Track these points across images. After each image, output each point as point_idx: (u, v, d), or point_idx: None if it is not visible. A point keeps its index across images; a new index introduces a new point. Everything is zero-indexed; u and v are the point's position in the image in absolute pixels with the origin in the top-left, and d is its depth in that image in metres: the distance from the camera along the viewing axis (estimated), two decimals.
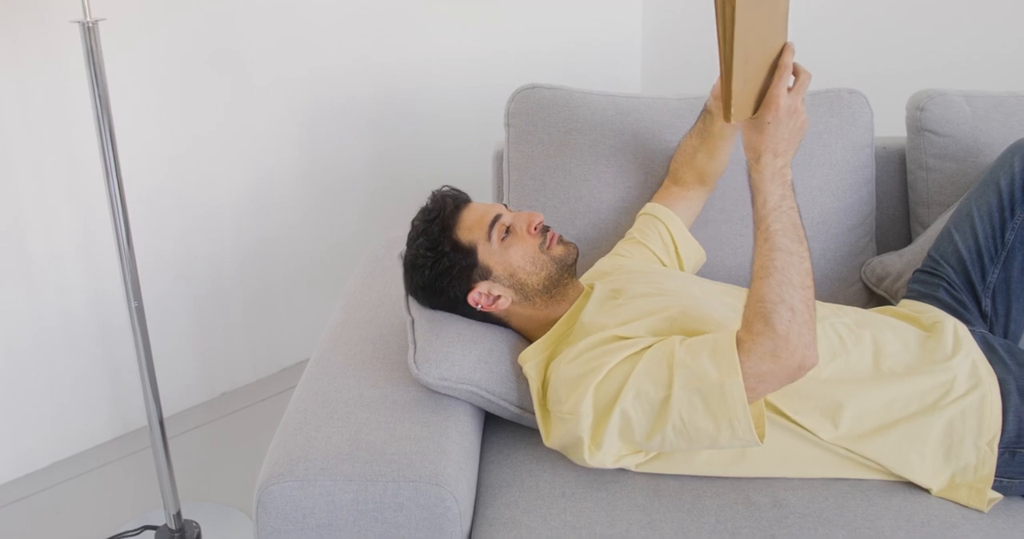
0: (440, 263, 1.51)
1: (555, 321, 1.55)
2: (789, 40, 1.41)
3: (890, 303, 1.83)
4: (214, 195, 2.49)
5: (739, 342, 1.29)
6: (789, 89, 1.37)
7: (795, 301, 1.28)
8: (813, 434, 1.40)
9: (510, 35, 3.05)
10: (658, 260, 1.74)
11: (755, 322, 1.28)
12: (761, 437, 1.29)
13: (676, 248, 1.75)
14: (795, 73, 1.38)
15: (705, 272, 1.86)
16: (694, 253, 1.79)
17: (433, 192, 1.59)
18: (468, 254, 1.52)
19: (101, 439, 2.44)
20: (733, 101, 1.29)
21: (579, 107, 1.88)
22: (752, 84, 1.33)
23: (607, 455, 1.36)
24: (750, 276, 1.34)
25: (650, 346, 1.36)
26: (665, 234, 1.75)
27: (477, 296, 1.52)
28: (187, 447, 2.44)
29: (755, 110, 1.37)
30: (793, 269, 1.30)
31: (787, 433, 1.40)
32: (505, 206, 1.59)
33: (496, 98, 1.97)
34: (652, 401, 1.31)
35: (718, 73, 1.32)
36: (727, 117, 1.31)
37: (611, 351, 1.37)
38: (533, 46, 3.11)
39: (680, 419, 1.30)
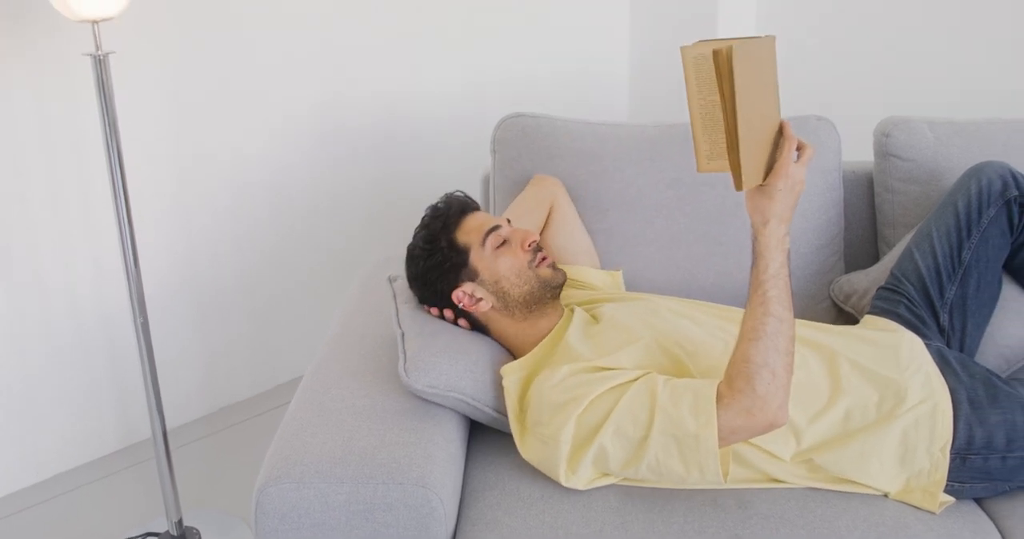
0: (433, 257, 1.64)
1: (535, 338, 1.64)
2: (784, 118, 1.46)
3: (858, 319, 1.93)
4: (217, 214, 2.59)
5: (719, 396, 1.37)
6: (795, 160, 1.43)
7: (778, 366, 1.36)
8: (776, 457, 1.48)
9: (502, 65, 3.15)
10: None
11: (737, 380, 1.36)
12: (725, 476, 1.38)
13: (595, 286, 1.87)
14: (799, 147, 1.44)
15: (682, 291, 1.95)
16: (606, 276, 1.91)
17: (447, 194, 1.72)
18: (461, 254, 1.63)
19: (108, 450, 2.53)
20: (744, 169, 1.33)
21: (560, 134, 1.99)
22: (757, 153, 1.38)
23: (581, 479, 1.45)
24: (740, 330, 1.40)
25: (634, 380, 1.44)
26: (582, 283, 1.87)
27: (461, 294, 1.62)
28: (189, 458, 2.52)
29: (763, 177, 1.41)
30: (781, 336, 1.37)
31: (750, 467, 1.49)
32: (508, 221, 1.70)
33: (487, 125, 2.07)
34: (631, 439, 1.40)
35: (693, 134, 1.36)
36: (739, 185, 1.35)
37: (593, 381, 1.45)
38: (524, 75, 3.22)
39: (655, 459, 1.39)
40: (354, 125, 2.82)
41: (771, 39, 1.39)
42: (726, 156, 1.33)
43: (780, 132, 1.43)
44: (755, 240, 1.41)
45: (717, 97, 1.30)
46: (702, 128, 1.34)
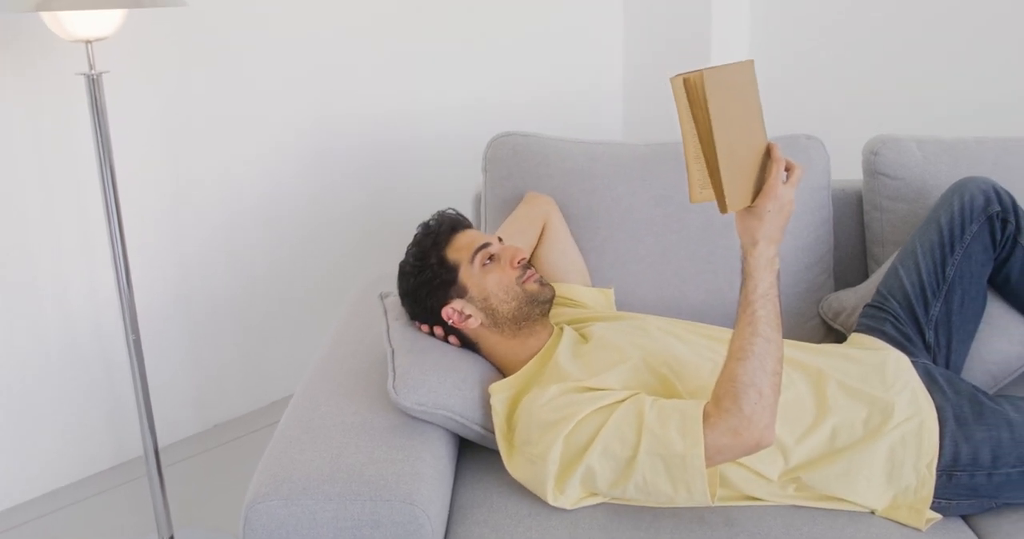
0: (423, 273, 1.65)
1: (524, 357, 1.65)
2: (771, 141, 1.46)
3: (846, 337, 1.93)
4: (211, 233, 2.61)
5: (706, 415, 1.38)
6: (784, 181, 1.44)
7: (764, 386, 1.36)
8: (764, 477, 1.49)
9: (496, 85, 3.18)
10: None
11: (724, 399, 1.37)
12: (712, 496, 1.39)
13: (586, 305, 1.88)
14: (788, 168, 1.45)
15: (672, 308, 1.96)
16: (597, 294, 1.91)
17: (439, 211, 1.74)
18: (450, 271, 1.64)
19: (101, 467, 2.53)
20: (727, 192, 1.34)
21: (551, 153, 2.00)
22: (743, 174, 1.39)
23: (569, 498, 1.46)
24: (728, 350, 1.41)
25: (622, 400, 1.45)
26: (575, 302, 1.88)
27: (450, 311, 1.64)
28: (182, 475, 2.52)
29: (752, 198, 1.42)
30: (769, 356, 1.38)
31: (735, 490, 1.50)
32: (500, 239, 1.71)
33: (481, 145, 2.09)
34: (618, 459, 1.41)
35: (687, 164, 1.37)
36: (724, 208, 1.36)
37: (581, 401, 1.46)
38: (518, 95, 3.24)
39: (643, 479, 1.40)
40: (347, 145, 2.84)
41: (749, 63, 1.41)
42: None
43: (768, 154, 1.44)
44: (744, 260, 1.42)
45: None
46: (694, 158, 1.35)
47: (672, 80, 1.32)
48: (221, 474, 2.54)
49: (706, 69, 1.30)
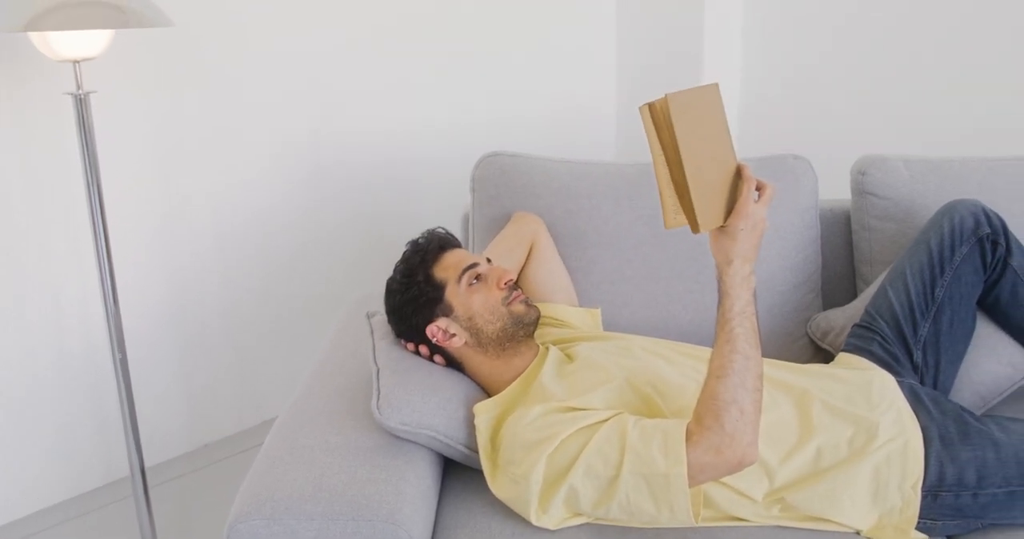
0: (410, 290, 1.65)
1: (509, 377, 1.65)
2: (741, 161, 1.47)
3: (835, 357, 1.93)
4: (202, 252, 2.61)
5: (688, 434, 1.38)
6: (756, 200, 1.45)
7: (745, 403, 1.37)
8: (748, 497, 1.48)
9: (489, 105, 3.19)
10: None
11: (706, 417, 1.37)
12: (696, 516, 1.39)
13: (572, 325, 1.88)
14: (760, 187, 1.46)
15: (660, 328, 1.96)
16: (584, 314, 1.92)
17: (428, 229, 1.74)
18: (437, 289, 1.64)
19: (90, 486, 2.52)
20: (698, 212, 1.36)
21: (538, 173, 2.01)
22: (714, 194, 1.40)
23: (552, 518, 1.45)
24: (708, 369, 1.41)
25: (605, 420, 1.45)
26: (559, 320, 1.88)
27: (435, 329, 1.64)
28: (171, 494, 2.51)
29: (724, 218, 1.43)
30: (749, 373, 1.39)
31: (719, 511, 1.49)
32: (488, 261, 1.72)
33: (472, 164, 2.10)
34: (601, 478, 1.40)
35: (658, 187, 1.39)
36: (696, 228, 1.38)
37: (564, 421, 1.46)
38: (511, 115, 3.25)
39: (626, 498, 1.39)
40: (338, 164, 2.85)
41: (714, 87, 1.42)
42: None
43: (738, 174, 1.45)
44: (720, 280, 1.43)
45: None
46: (666, 184, 1.37)
47: (640, 109, 1.35)
48: (210, 494, 2.53)
49: (670, 93, 1.32)
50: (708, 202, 1.38)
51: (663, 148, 1.35)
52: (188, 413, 2.69)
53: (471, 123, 3.14)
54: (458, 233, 2.15)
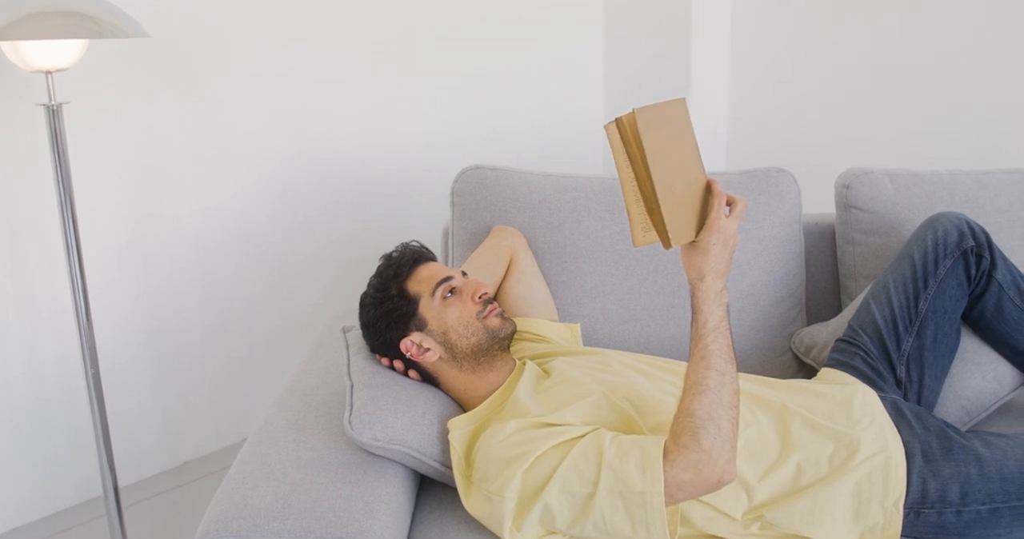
0: (383, 305, 1.63)
1: (484, 392, 1.62)
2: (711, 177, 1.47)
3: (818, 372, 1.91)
4: (178, 265, 2.58)
5: (665, 451, 1.35)
6: (727, 215, 1.44)
7: (722, 419, 1.34)
8: (727, 515, 1.45)
9: (476, 120, 3.17)
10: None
11: (683, 435, 1.35)
12: (673, 535, 1.36)
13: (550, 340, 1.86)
14: (731, 202, 1.45)
15: (640, 342, 1.94)
16: (563, 329, 1.89)
17: (402, 243, 1.71)
18: (411, 303, 1.62)
19: (65, 504, 2.48)
20: (669, 227, 1.35)
21: (518, 186, 1.99)
22: (684, 209, 1.39)
23: (526, 536, 1.42)
24: (683, 383, 1.40)
25: (581, 436, 1.42)
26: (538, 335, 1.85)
27: (409, 344, 1.61)
28: (148, 513, 2.47)
29: (696, 233, 1.42)
30: (724, 389, 1.37)
31: (697, 530, 1.46)
32: (464, 274, 1.69)
33: (452, 178, 2.08)
34: (577, 496, 1.37)
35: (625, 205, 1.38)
36: (667, 244, 1.37)
37: (540, 437, 1.43)
38: (498, 129, 3.23)
39: (602, 517, 1.36)
40: (320, 179, 2.82)
41: (681, 101, 1.41)
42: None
43: (708, 190, 1.44)
44: (693, 295, 1.42)
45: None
46: (634, 202, 1.36)
47: (606, 127, 1.34)
48: (186, 513, 2.49)
49: (638, 108, 1.31)
50: (679, 217, 1.37)
51: (631, 163, 1.33)
52: (168, 430, 2.66)
53: (458, 139, 3.12)
54: (437, 248, 2.13)
